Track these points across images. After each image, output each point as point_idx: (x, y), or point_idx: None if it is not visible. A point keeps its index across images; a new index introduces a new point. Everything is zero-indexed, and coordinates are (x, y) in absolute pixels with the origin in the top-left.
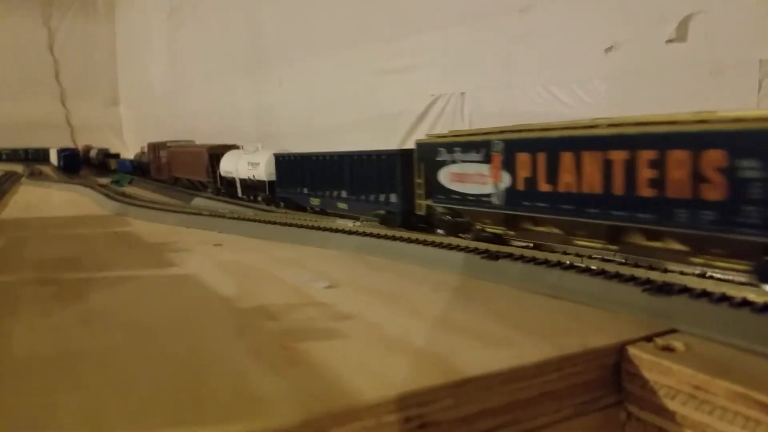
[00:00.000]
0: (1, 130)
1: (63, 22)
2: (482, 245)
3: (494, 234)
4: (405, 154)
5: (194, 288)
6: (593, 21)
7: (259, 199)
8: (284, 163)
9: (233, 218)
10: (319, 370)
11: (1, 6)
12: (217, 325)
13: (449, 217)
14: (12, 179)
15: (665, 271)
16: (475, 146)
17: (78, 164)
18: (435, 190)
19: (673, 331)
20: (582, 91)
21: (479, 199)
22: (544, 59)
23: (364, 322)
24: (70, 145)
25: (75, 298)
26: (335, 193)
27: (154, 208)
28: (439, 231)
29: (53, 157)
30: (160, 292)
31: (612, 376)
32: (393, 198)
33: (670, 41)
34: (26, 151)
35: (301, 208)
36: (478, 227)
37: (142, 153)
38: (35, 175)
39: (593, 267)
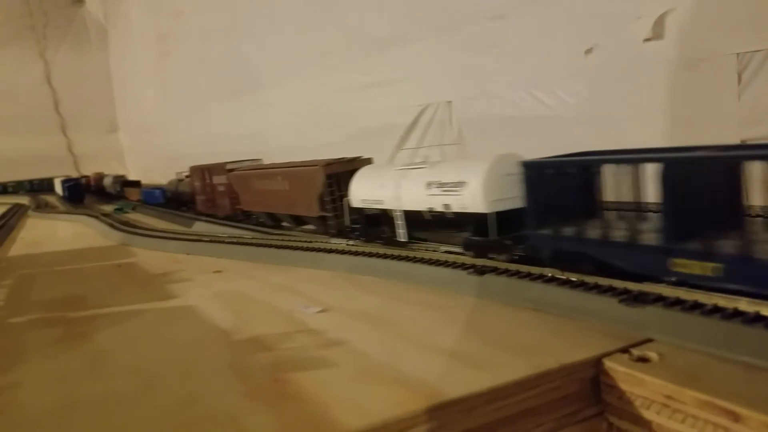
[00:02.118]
0: (6, 163)
1: (58, 53)
2: (468, 260)
3: None
4: None
5: (193, 322)
6: (572, 24)
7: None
8: (556, 177)
9: (232, 243)
10: (308, 403)
11: None
12: (215, 363)
13: None
14: (18, 213)
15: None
16: None
17: (82, 193)
18: None
19: (649, 340)
20: (565, 94)
21: None
22: (526, 64)
23: (353, 348)
24: (74, 173)
25: (81, 339)
26: None
27: (156, 237)
28: None
29: (58, 187)
30: (161, 328)
31: (591, 389)
32: None
33: (647, 39)
34: (31, 182)
35: (605, 270)
36: None
37: (179, 181)
38: (41, 207)
39: (573, 279)
